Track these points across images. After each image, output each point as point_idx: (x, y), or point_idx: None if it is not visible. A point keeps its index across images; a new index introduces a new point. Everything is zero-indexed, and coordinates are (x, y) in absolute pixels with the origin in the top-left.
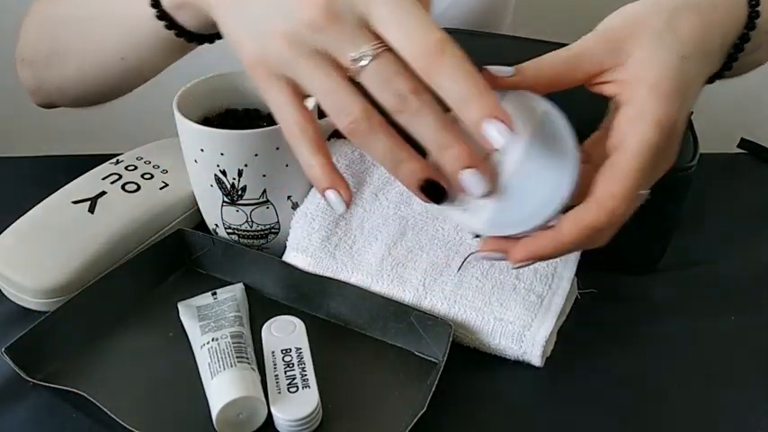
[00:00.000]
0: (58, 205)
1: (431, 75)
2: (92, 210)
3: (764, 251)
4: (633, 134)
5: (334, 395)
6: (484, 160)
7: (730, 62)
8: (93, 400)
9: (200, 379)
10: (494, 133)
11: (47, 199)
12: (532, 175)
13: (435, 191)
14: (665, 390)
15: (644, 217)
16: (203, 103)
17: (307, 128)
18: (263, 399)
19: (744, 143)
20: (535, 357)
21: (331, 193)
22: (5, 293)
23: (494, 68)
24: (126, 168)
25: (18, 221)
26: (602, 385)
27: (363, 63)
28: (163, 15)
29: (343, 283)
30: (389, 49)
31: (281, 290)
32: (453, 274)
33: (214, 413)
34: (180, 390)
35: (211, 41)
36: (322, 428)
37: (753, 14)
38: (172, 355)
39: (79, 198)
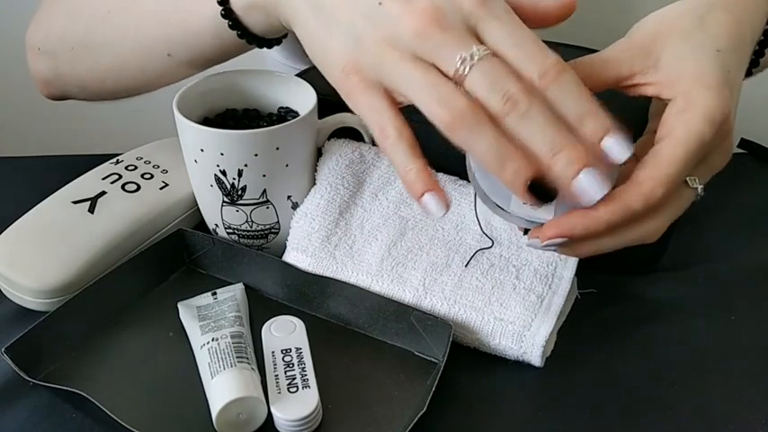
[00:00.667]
0: (58, 205)
1: (552, 90)
2: (92, 210)
3: (764, 251)
4: (681, 124)
5: (334, 395)
6: (600, 160)
7: (757, 58)
8: (93, 400)
9: (201, 379)
10: (615, 147)
11: (47, 199)
12: None
13: (543, 190)
14: (664, 390)
15: None
16: (203, 103)
17: (404, 132)
18: (263, 399)
19: (744, 143)
20: (535, 357)
21: (428, 197)
22: (5, 293)
23: None
24: (126, 168)
25: (18, 221)
26: (602, 385)
27: (471, 64)
28: (228, 14)
29: (343, 283)
30: (497, 56)
31: (281, 290)
32: (453, 273)
33: (214, 413)
34: (180, 390)
35: (270, 46)
36: (322, 428)
37: None
38: (172, 355)
39: (79, 198)
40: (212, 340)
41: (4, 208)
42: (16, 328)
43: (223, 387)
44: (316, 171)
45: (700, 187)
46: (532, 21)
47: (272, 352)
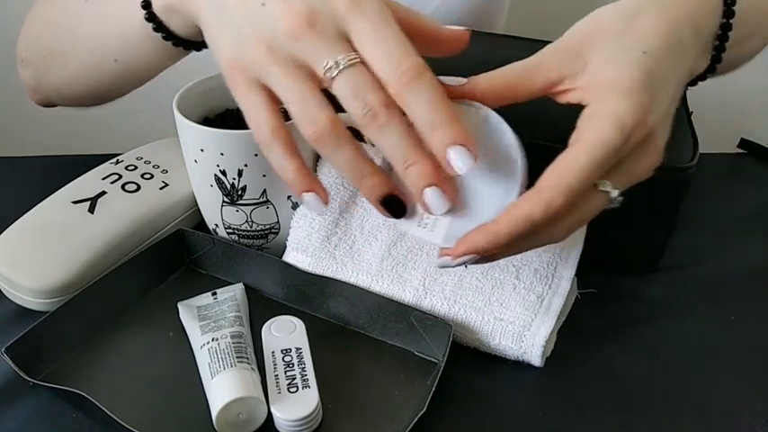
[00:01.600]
0: (58, 205)
1: (404, 96)
2: (92, 210)
3: (764, 251)
4: (588, 130)
5: (334, 395)
6: (447, 179)
7: (719, 54)
8: (93, 400)
9: (201, 379)
10: (457, 160)
11: (47, 199)
12: (482, 185)
13: (395, 206)
14: (664, 389)
15: (644, 217)
16: (203, 103)
17: (279, 132)
18: (263, 399)
19: (744, 143)
20: (535, 357)
21: (308, 196)
22: (5, 293)
23: (445, 78)
24: (126, 168)
25: (18, 221)
26: (602, 385)
27: (336, 72)
28: (152, 17)
29: (343, 283)
30: (364, 63)
31: (281, 290)
32: (453, 273)
33: (214, 413)
34: (180, 390)
35: (198, 49)
36: (322, 428)
37: (729, 2)
38: (172, 355)
39: (79, 198)
40: (212, 340)
41: (4, 208)
42: (16, 328)
43: (223, 387)
44: (316, 171)
45: (614, 192)
46: (426, 45)
47: (272, 352)
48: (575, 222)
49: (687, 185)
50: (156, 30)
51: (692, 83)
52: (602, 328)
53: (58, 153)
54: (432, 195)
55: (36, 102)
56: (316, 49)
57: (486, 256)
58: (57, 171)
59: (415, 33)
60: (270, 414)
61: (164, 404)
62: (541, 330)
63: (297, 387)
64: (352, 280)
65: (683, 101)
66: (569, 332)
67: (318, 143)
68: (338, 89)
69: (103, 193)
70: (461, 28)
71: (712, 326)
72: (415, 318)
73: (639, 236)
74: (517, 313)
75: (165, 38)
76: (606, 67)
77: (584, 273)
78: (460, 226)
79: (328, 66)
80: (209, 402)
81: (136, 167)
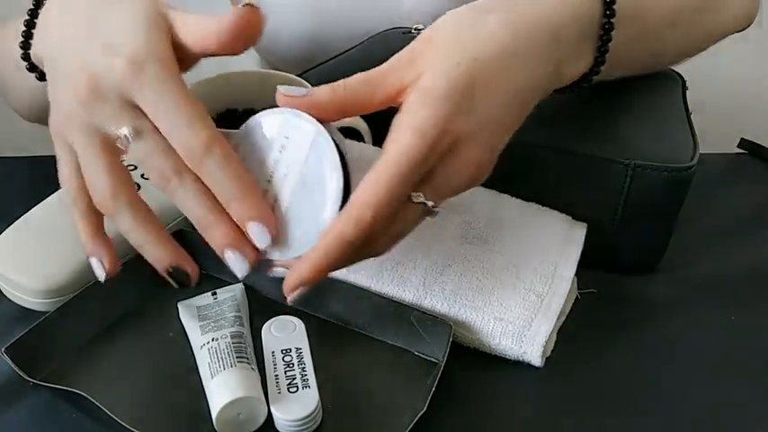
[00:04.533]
0: (58, 205)
1: (199, 172)
2: None
3: (764, 251)
4: (390, 141)
5: (334, 395)
6: (247, 243)
7: (602, 56)
8: (93, 400)
9: (201, 379)
10: (255, 236)
11: (47, 199)
12: (307, 209)
13: (179, 277)
14: (664, 390)
15: (644, 217)
16: (203, 103)
17: (78, 195)
18: (263, 399)
19: (744, 143)
20: (535, 357)
21: (92, 260)
22: (5, 293)
23: (287, 88)
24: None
25: (18, 221)
26: (602, 385)
27: (126, 143)
28: (33, 68)
29: (343, 282)
30: (155, 129)
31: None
32: (453, 273)
33: (214, 413)
34: (180, 390)
35: None
36: (322, 428)
37: (609, 1)
38: (172, 355)
39: None
40: (212, 340)
41: (4, 208)
42: (16, 328)
43: (223, 387)
44: None
45: (429, 203)
46: (220, 44)
47: (272, 352)
48: (394, 236)
49: (687, 185)
50: (39, 78)
51: (576, 84)
52: (602, 328)
53: None
54: (231, 258)
55: (25, 119)
56: (104, 117)
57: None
58: (57, 171)
59: (201, 39)
60: (270, 414)
61: (164, 404)
62: (541, 330)
63: (297, 387)
64: (352, 280)
65: (683, 101)
66: (569, 332)
67: (102, 210)
68: (133, 157)
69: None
70: (244, 4)
71: (712, 326)
72: (415, 318)
73: (639, 236)
74: (517, 313)
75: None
76: (427, 74)
77: (584, 273)
78: (285, 241)
79: (119, 136)
80: (209, 402)
81: (136, 167)
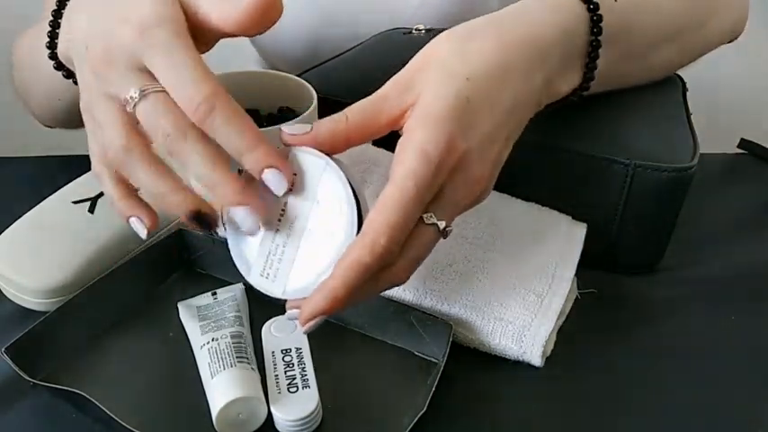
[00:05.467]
0: (58, 205)
1: (205, 128)
2: (92, 210)
3: (764, 251)
4: (397, 163)
5: (334, 395)
6: (254, 197)
7: (590, 72)
8: (93, 400)
9: (201, 379)
10: (272, 183)
11: (47, 199)
12: (319, 235)
13: (202, 220)
14: (664, 390)
15: (644, 217)
16: None
17: (101, 161)
18: (263, 399)
19: (744, 143)
20: (535, 357)
21: (132, 220)
22: (5, 293)
23: (289, 127)
24: None
25: (18, 221)
26: (602, 385)
27: (133, 104)
28: (60, 66)
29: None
30: (161, 90)
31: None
32: (453, 273)
33: (214, 413)
34: (180, 390)
35: None
36: (322, 428)
37: (595, 18)
38: (172, 355)
39: (79, 198)
40: (212, 340)
41: (4, 208)
42: (16, 328)
43: (223, 387)
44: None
45: (440, 223)
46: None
47: (272, 352)
48: (411, 259)
49: (687, 185)
50: (65, 77)
51: (566, 98)
52: (602, 328)
53: (58, 153)
54: (238, 214)
55: (42, 124)
56: (114, 83)
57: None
58: (57, 171)
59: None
60: (270, 414)
61: (164, 404)
62: (541, 330)
63: (297, 387)
64: None
65: (684, 101)
66: (569, 332)
67: (117, 167)
68: (139, 120)
69: (103, 193)
70: None
71: (712, 326)
72: (415, 318)
73: (639, 236)
74: (517, 313)
75: (75, 83)
76: (425, 96)
77: (584, 273)
78: (300, 277)
79: (126, 98)
80: (209, 402)
81: None
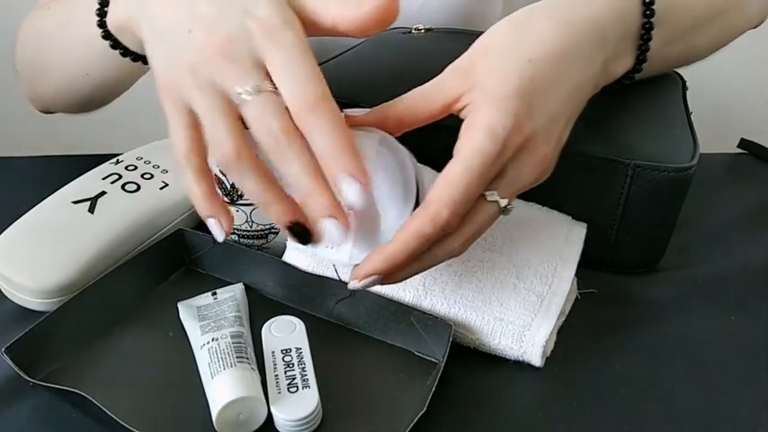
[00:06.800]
0: (58, 205)
1: (304, 125)
2: (92, 210)
3: (764, 251)
4: (464, 141)
5: (334, 395)
6: (341, 208)
7: (643, 54)
8: (93, 400)
9: (201, 379)
10: (346, 191)
11: (47, 199)
12: (381, 205)
13: (300, 234)
14: (664, 390)
15: (644, 217)
16: None
17: (191, 156)
18: (263, 399)
19: (744, 143)
20: (535, 357)
21: (211, 221)
22: (5, 293)
23: (347, 111)
24: (126, 168)
25: (18, 221)
26: (602, 385)
27: (246, 98)
28: (107, 35)
29: (344, 282)
30: (275, 92)
31: (281, 290)
32: (453, 273)
33: (214, 413)
34: (180, 390)
35: None
36: (322, 428)
37: (648, 2)
38: (172, 355)
39: (79, 198)
40: (212, 340)
41: (4, 208)
42: (16, 328)
43: (223, 387)
44: None
45: (502, 201)
46: (349, 26)
47: (272, 352)
48: (470, 234)
49: (687, 185)
50: (112, 47)
51: (617, 83)
52: (602, 328)
53: (58, 153)
54: (328, 227)
55: (37, 109)
56: (229, 76)
57: (392, 276)
58: (57, 171)
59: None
60: (270, 414)
61: (164, 404)
62: (541, 330)
63: (297, 387)
64: None
65: (684, 101)
66: (569, 332)
67: (224, 168)
68: (246, 116)
69: (103, 193)
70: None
71: (712, 326)
72: (415, 318)
73: (639, 236)
74: (517, 313)
75: (122, 54)
76: (488, 78)
77: (584, 273)
78: (364, 245)
79: (239, 93)
80: (209, 402)
81: (136, 167)
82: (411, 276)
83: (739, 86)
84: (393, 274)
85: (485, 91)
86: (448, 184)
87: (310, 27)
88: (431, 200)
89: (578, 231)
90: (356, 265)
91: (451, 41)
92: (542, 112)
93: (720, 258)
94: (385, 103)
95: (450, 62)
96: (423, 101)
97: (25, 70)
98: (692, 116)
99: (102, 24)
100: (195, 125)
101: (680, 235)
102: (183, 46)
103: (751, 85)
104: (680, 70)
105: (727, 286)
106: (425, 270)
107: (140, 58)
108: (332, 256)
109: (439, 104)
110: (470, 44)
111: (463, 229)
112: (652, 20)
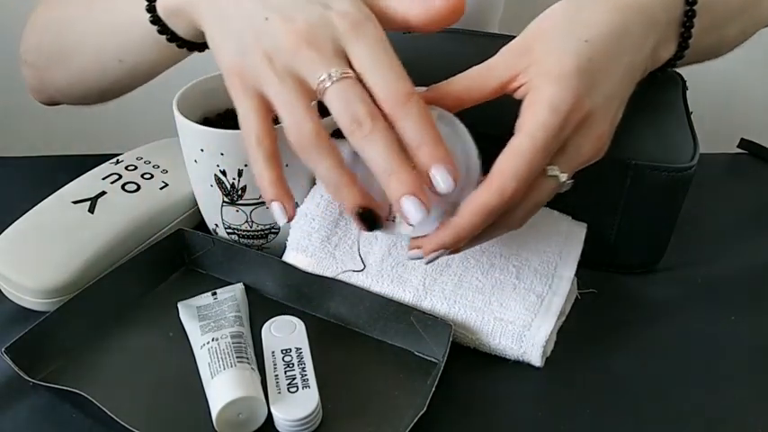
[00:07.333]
0: (58, 205)
1: (397, 114)
2: (92, 210)
3: (764, 251)
4: (528, 116)
5: (334, 395)
6: (423, 188)
7: (686, 41)
8: (93, 400)
9: (201, 379)
10: (439, 178)
11: (47, 199)
12: None
13: (369, 219)
14: (664, 390)
15: (644, 217)
16: (203, 103)
17: (264, 141)
18: (263, 399)
19: (744, 143)
20: (535, 357)
21: (275, 204)
22: (5, 293)
23: None
24: (126, 168)
25: (18, 221)
26: (602, 385)
27: (329, 83)
28: (156, 20)
29: (343, 282)
30: (355, 77)
31: (281, 290)
32: (453, 273)
33: (214, 413)
34: (180, 390)
35: (201, 50)
36: (322, 428)
37: None
38: (172, 355)
39: (79, 198)
40: (212, 340)
41: (4, 208)
42: (16, 328)
43: (223, 387)
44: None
45: (562, 176)
46: (423, 20)
47: (272, 352)
48: (529, 208)
49: (687, 185)
50: (160, 32)
51: (662, 68)
52: (602, 328)
53: (58, 153)
54: (409, 204)
55: (39, 101)
56: (312, 62)
57: (456, 251)
58: (57, 171)
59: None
60: (270, 414)
61: (164, 404)
62: (541, 330)
63: (297, 387)
64: (353, 280)
65: (684, 101)
66: (569, 332)
67: (301, 151)
68: (329, 99)
69: (103, 193)
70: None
71: (712, 326)
72: (415, 318)
73: (639, 236)
74: (517, 313)
75: (169, 39)
76: (547, 57)
77: (584, 273)
78: (426, 219)
79: (322, 78)
80: (209, 402)
81: (136, 167)
82: (472, 246)
83: (739, 86)
84: (457, 247)
85: (545, 70)
86: (513, 158)
87: (382, 21)
88: (496, 173)
89: (578, 231)
90: (414, 237)
91: (452, 41)
92: (600, 91)
93: (720, 258)
94: (442, 82)
95: (452, 61)
96: (480, 79)
97: (39, 59)
98: (692, 116)
99: (151, 9)
100: (266, 110)
101: (680, 235)
102: (258, 33)
103: (751, 85)
104: (680, 70)
105: (727, 286)
106: (485, 242)
107: (187, 45)
108: (393, 230)
109: (495, 84)
110: (470, 44)
111: (524, 203)
112: (695, 7)
